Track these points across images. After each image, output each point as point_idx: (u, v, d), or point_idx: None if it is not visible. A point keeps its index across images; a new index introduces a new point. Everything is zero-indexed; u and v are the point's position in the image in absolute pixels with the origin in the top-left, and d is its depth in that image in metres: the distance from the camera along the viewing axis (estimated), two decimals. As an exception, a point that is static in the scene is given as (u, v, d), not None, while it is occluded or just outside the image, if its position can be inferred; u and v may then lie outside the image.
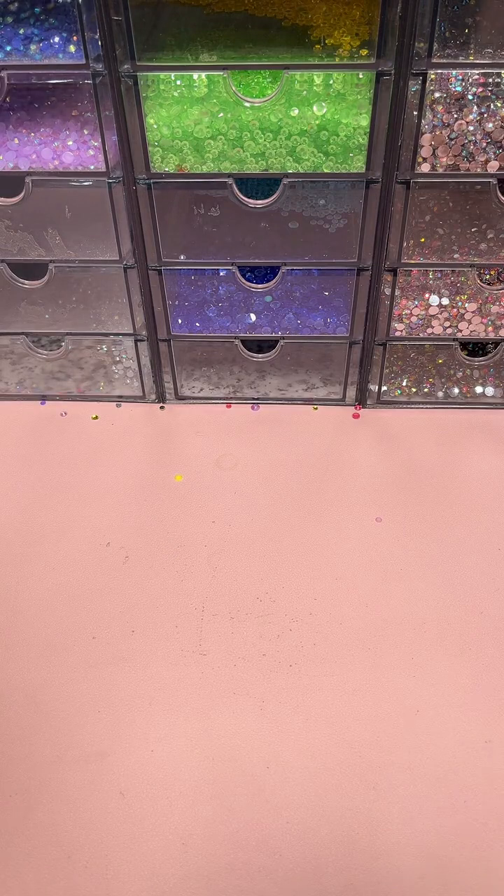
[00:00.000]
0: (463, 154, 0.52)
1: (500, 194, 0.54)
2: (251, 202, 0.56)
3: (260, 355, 0.67)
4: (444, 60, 0.48)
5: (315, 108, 0.51)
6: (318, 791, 0.42)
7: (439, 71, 0.48)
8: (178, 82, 0.51)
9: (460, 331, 0.63)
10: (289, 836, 0.41)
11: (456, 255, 0.58)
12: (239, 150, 0.53)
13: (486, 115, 0.50)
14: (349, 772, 0.43)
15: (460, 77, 0.49)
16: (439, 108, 0.50)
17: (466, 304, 0.61)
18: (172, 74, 0.50)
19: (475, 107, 0.50)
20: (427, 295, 0.61)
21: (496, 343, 0.65)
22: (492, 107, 0.50)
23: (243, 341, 0.66)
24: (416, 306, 0.62)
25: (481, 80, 0.49)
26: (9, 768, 0.44)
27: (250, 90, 0.51)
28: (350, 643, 0.50)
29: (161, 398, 0.71)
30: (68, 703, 0.47)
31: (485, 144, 0.52)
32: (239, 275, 0.61)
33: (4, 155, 0.54)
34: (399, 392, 0.69)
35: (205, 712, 0.46)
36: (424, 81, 0.49)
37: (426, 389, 0.68)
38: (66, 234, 0.59)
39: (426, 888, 0.39)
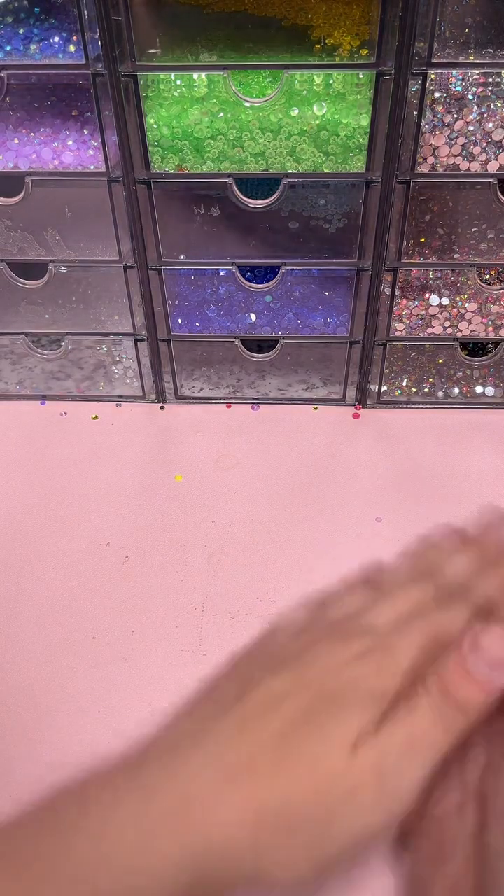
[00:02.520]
0: (463, 154, 0.52)
1: (500, 194, 0.54)
2: (251, 202, 0.56)
3: (260, 355, 0.67)
4: (444, 60, 0.48)
5: (315, 107, 0.51)
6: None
7: (439, 71, 0.48)
8: (178, 82, 0.51)
9: (460, 331, 0.63)
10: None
11: (456, 255, 0.58)
12: (239, 149, 0.53)
13: (486, 115, 0.50)
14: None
15: (460, 77, 0.49)
16: (439, 107, 0.50)
17: (466, 304, 0.61)
18: (172, 74, 0.50)
19: (475, 107, 0.50)
20: (427, 295, 0.61)
21: (496, 343, 0.65)
22: (492, 107, 0.50)
23: (243, 341, 0.66)
24: (416, 306, 0.62)
25: (481, 80, 0.49)
26: (9, 768, 0.44)
27: (250, 90, 0.51)
28: (350, 643, 0.50)
29: (161, 398, 0.71)
30: (68, 703, 0.47)
31: (485, 144, 0.52)
32: (239, 275, 0.61)
33: (4, 155, 0.54)
34: (399, 392, 0.69)
35: (205, 712, 0.46)
36: (424, 81, 0.49)
37: (426, 389, 0.68)
38: (66, 233, 0.59)
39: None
